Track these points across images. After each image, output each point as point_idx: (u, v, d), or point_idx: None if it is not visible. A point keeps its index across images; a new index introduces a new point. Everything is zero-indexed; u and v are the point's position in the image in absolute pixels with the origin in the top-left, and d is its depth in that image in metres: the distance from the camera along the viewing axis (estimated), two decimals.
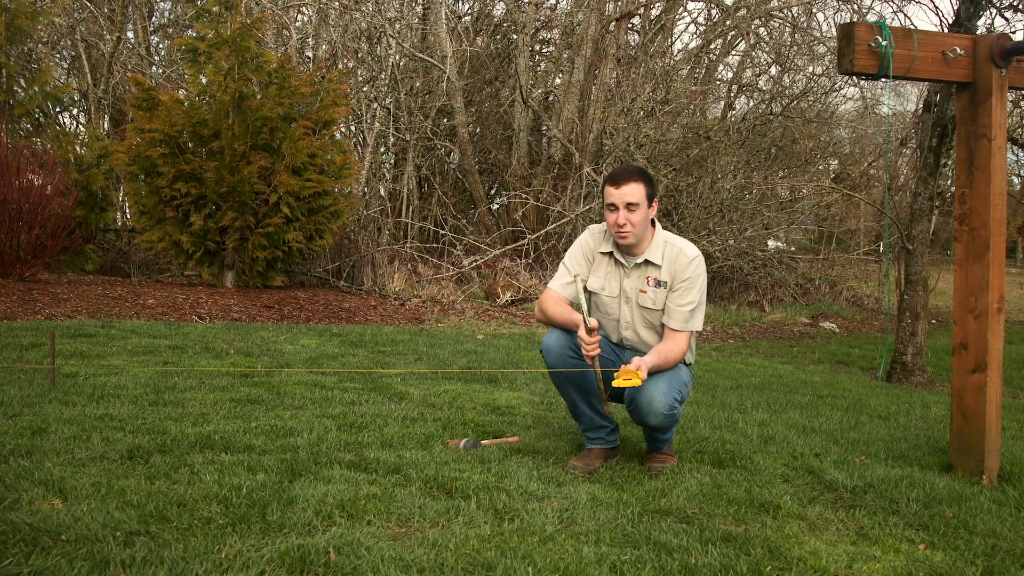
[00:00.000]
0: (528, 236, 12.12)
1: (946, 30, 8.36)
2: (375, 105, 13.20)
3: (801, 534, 2.90)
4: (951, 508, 3.26)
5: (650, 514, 2.98)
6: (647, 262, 3.56)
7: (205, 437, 3.53)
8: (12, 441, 3.30)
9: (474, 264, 11.45)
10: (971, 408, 3.84)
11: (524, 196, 12.76)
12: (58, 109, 13.54)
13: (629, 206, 3.45)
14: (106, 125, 13.96)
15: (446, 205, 14.05)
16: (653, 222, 3.60)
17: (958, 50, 3.79)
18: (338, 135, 12.54)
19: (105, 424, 3.67)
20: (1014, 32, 5.95)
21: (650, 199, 3.53)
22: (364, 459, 3.36)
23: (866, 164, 18.46)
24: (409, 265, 11.43)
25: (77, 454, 3.20)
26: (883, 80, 3.79)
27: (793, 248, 16.17)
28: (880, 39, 3.63)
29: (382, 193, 14.11)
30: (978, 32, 7.12)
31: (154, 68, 14.80)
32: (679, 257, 3.55)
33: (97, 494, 2.74)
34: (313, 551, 2.35)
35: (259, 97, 9.67)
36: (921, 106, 9.37)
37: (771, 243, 15.10)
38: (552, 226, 12.28)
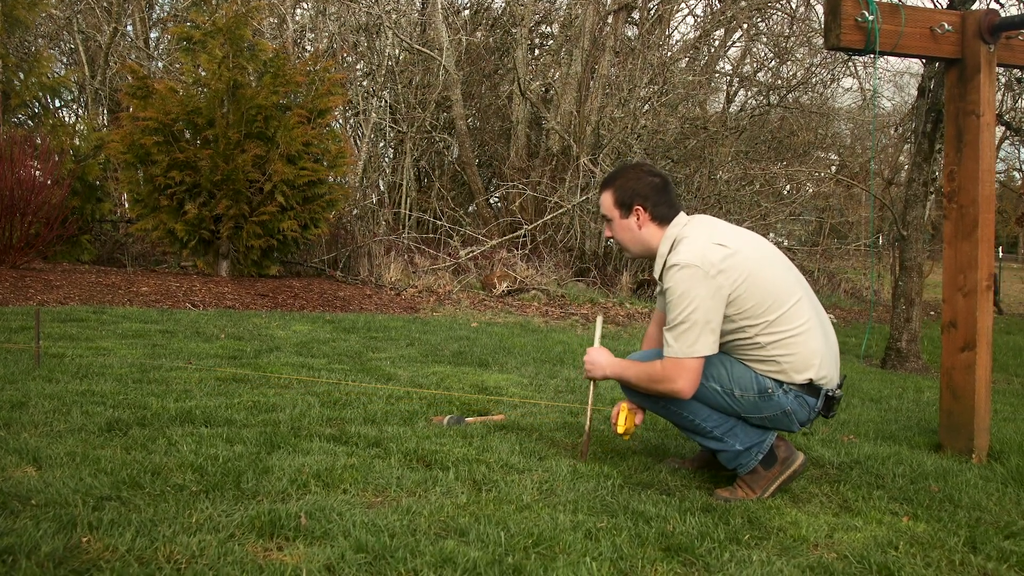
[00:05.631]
0: (525, 227, 12.09)
1: None
2: (372, 98, 13.17)
3: (783, 506, 2.87)
4: (937, 483, 3.23)
5: (631, 486, 2.95)
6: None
7: (186, 412, 3.51)
8: None
9: (471, 255, 11.43)
10: (960, 386, 3.81)
11: (522, 187, 12.74)
12: (57, 104, 13.54)
13: (604, 219, 3.11)
14: (104, 118, 13.94)
15: (444, 198, 14.02)
16: (664, 223, 3.01)
17: (946, 26, 3.76)
18: (335, 125, 12.52)
19: (86, 399, 3.65)
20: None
21: (623, 207, 3.00)
22: (345, 433, 3.34)
23: (867, 160, 18.40)
24: (406, 256, 11.40)
25: (55, 426, 3.18)
26: (870, 56, 3.76)
27: (794, 242, 16.11)
28: (867, 14, 3.60)
29: (380, 185, 14.08)
30: None
31: (154, 62, 14.78)
32: (667, 264, 2.92)
33: (72, 462, 2.72)
34: (284, 515, 2.32)
35: (254, 85, 9.64)
36: (916, 92, 9.33)
37: (770, 236, 15.05)
38: (549, 217, 12.26)
